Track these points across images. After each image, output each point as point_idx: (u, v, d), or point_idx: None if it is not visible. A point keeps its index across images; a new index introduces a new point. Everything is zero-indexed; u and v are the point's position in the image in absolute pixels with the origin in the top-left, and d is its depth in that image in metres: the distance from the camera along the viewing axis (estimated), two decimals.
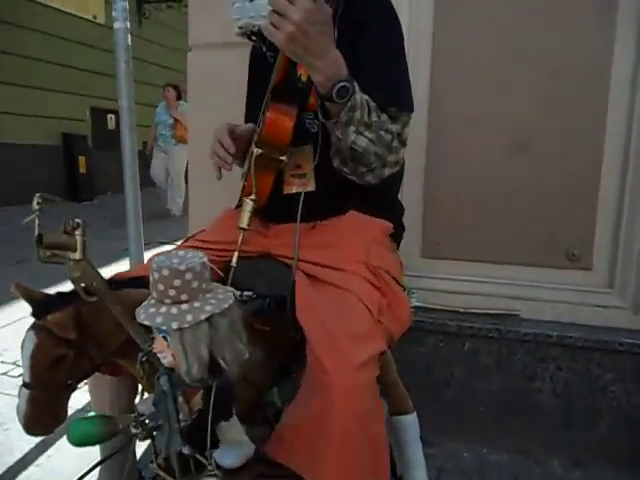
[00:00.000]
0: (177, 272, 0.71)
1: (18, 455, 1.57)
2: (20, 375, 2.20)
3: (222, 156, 1.10)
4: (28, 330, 0.85)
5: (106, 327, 0.88)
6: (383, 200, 1.13)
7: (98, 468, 1.25)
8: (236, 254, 1.04)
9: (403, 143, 1.04)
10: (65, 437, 1.71)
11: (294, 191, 1.12)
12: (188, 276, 0.71)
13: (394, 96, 1.02)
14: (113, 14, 1.99)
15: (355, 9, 1.04)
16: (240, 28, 1.13)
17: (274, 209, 1.11)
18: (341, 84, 0.89)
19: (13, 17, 6.36)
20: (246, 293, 1.03)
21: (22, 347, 0.85)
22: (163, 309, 0.71)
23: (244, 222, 1.05)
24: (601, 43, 1.52)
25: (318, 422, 0.80)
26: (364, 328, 0.90)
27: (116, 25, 2.00)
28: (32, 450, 1.59)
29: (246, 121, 1.36)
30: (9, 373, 2.09)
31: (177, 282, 0.71)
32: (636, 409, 1.53)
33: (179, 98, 6.24)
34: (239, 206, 1.25)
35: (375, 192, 1.08)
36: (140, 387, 1.02)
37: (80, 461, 1.17)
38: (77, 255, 0.80)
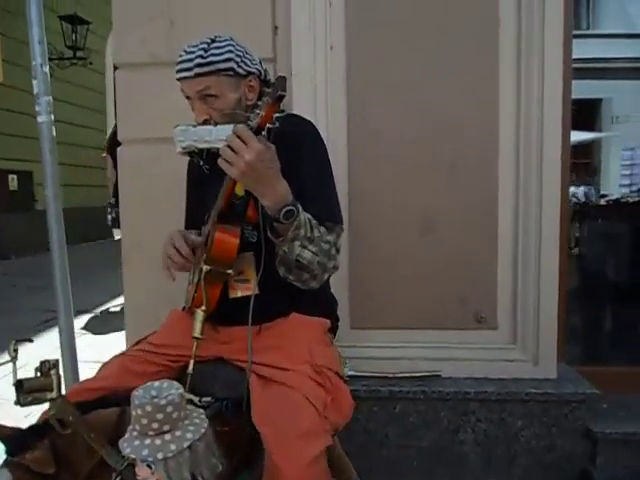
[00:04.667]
0: (159, 407, 0.80)
1: None
2: None
3: (177, 261, 1.22)
4: (1, 468, 0.89)
5: (79, 454, 0.94)
6: (320, 299, 1.28)
7: None
8: (192, 362, 1.13)
9: (338, 250, 1.20)
10: None
11: (239, 295, 1.24)
12: (169, 409, 0.81)
13: (329, 212, 1.19)
14: (37, 108, 2.02)
15: (288, 137, 1.19)
16: (183, 148, 1.26)
17: (221, 312, 1.22)
18: (287, 208, 1.05)
19: None
20: (205, 399, 1.13)
21: None
22: (147, 441, 0.80)
23: (197, 332, 1.15)
24: (488, 139, 1.81)
25: None
26: (311, 425, 1.03)
27: (40, 119, 2.04)
28: None
29: (187, 224, 1.48)
30: None
31: (159, 416, 0.80)
32: (544, 450, 1.76)
33: None
34: (185, 308, 1.36)
35: (313, 293, 1.22)
36: None
37: None
38: (54, 394, 0.86)
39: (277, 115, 0.99)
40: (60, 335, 2.08)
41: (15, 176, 7.52)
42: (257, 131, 1.00)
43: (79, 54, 8.40)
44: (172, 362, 1.22)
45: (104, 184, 8.75)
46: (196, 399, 1.10)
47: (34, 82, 2.00)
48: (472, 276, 1.84)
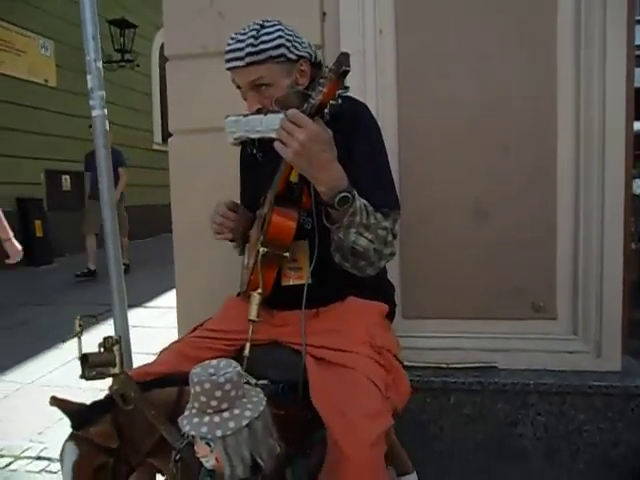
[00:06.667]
0: (218, 384, 0.79)
1: None
2: None
3: (218, 221, 1.27)
4: (67, 441, 0.91)
5: (140, 430, 0.95)
6: (377, 284, 1.25)
7: None
8: (248, 344, 1.13)
9: (395, 236, 1.17)
10: None
11: (291, 283, 1.23)
12: (228, 387, 0.80)
13: (385, 198, 1.16)
14: (91, 102, 2.08)
15: (342, 120, 1.16)
16: (235, 139, 1.25)
17: (275, 298, 1.21)
18: (342, 194, 1.02)
19: None
20: (261, 382, 1.12)
21: (61, 459, 0.90)
22: (206, 418, 0.79)
23: (253, 314, 1.14)
24: (545, 121, 1.73)
25: None
26: (375, 405, 1.01)
27: (94, 113, 2.09)
28: None
29: None
30: None
31: (218, 393, 0.79)
32: (609, 445, 1.67)
33: None
34: (240, 294, 1.36)
35: (369, 279, 1.19)
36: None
37: None
38: (117, 369, 0.87)
39: (340, 92, 0.97)
40: (115, 328, 2.13)
41: (68, 177, 7.81)
42: (319, 108, 0.98)
43: (127, 57, 8.65)
44: (228, 346, 1.22)
45: (151, 183, 9.04)
46: (253, 381, 1.10)
47: (88, 77, 2.06)
48: (529, 263, 1.76)
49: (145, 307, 4.58)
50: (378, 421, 0.98)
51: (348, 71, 0.93)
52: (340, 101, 0.99)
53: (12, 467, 2.04)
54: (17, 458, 2.09)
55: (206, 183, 1.93)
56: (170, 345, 1.26)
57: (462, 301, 1.81)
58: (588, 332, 1.74)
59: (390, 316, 1.29)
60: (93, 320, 0.92)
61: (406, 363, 1.74)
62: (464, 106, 1.77)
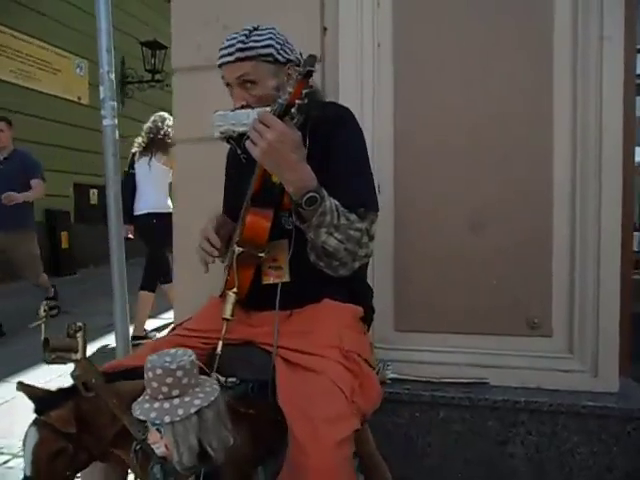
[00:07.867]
0: (170, 371, 0.81)
1: None
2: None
3: (208, 250, 1.23)
4: (30, 426, 0.93)
5: (102, 419, 0.97)
6: (354, 287, 1.25)
7: None
8: (220, 343, 1.14)
9: (371, 238, 1.17)
10: None
11: (271, 281, 1.24)
12: (179, 374, 0.81)
13: (361, 199, 1.17)
14: (102, 112, 2.17)
15: (323, 123, 1.20)
16: (221, 133, 1.28)
17: (254, 298, 1.23)
18: (310, 194, 1.04)
19: (5, 103, 6.59)
20: (230, 379, 1.13)
21: (24, 443, 0.93)
22: (157, 404, 0.81)
23: (227, 313, 1.16)
24: (542, 129, 1.73)
25: None
26: (339, 409, 1.00)
27: (105, 122, 2.17)
28: None
29: (224, 210, 1.51)
30: None
31: (169, 380, 0.81)
32: (603, 469, 1.61)
33: None
34: (222, 295, 1.37)
35: (346, 281, 1.20)
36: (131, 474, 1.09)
37: None
38: (78, 355, 0.90)
39: (306, 91, 1.00)
40: (116, 340, 2.17)
41: (96, 190, 8.02)
42: (287, 108, 1.02)
43: (157, 77, 8.91)
44: (204, 344, 1.24)
45: None
46: (222, 380, 1.11)
47: (101, 88, 2.15)
48: (525, 278, 1.74)
49: (153, 318, 4.63)
50: (342, 425, 0.98)
51: (313, 71, 0.97)
52: (307, 101, 1.01)
53: (9, 464, 2.07)
54: (15, 456, 2.13)
55: (209, 193, 1.96)
56: (149, 342, 1.28)
57: (455, 315, 1.79)
58: (584, 351, 1.69)
59: (366, 320, 1.29)
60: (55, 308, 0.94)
61: (396, 376, 1.74)
62: (461, 118, 1.77)
